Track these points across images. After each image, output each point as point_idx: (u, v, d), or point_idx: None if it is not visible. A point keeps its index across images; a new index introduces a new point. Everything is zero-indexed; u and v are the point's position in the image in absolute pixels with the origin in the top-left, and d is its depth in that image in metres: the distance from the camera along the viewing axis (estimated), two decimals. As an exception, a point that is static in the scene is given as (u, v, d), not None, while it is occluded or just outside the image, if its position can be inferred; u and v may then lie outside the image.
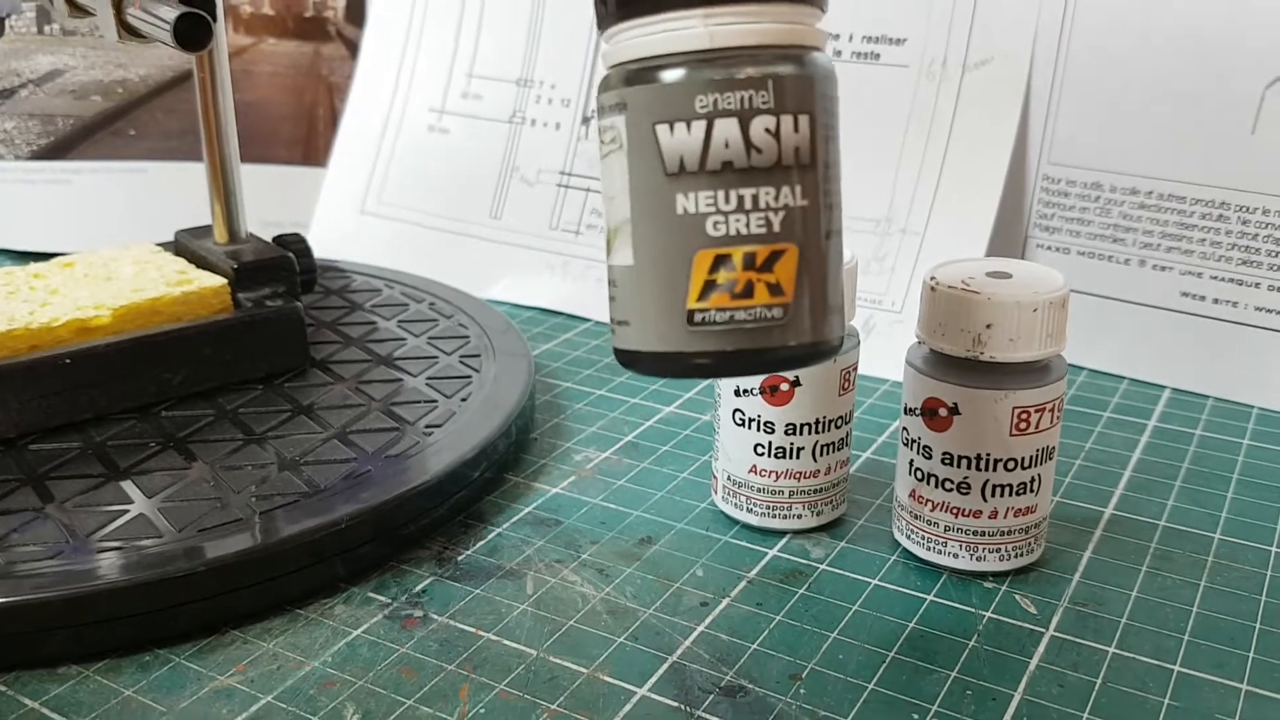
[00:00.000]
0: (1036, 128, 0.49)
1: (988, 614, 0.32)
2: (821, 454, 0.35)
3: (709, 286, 0.25)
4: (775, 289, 0.25)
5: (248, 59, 0.65)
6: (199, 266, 0.45)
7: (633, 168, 0.25)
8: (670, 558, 0.35)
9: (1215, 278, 0.46)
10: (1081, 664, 0.30)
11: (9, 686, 0.30)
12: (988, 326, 0.31)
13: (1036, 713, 0.28)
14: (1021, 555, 0.33)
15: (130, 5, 0.37)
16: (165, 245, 0.48)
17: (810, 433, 0.35)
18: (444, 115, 0.60)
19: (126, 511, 0.34)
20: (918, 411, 0.33)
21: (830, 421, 0.35)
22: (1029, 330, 0.31)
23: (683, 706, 0.28)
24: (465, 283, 0.56)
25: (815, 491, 0.36)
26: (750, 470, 0.36)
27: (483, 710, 0.28)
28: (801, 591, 0.33)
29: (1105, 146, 0.47)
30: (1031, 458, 0.32)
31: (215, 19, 0.38)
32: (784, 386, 0.34)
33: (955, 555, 0.33)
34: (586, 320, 0.54)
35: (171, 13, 0.35)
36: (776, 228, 0.25)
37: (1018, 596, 0.33)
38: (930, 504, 0.33)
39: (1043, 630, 0.31)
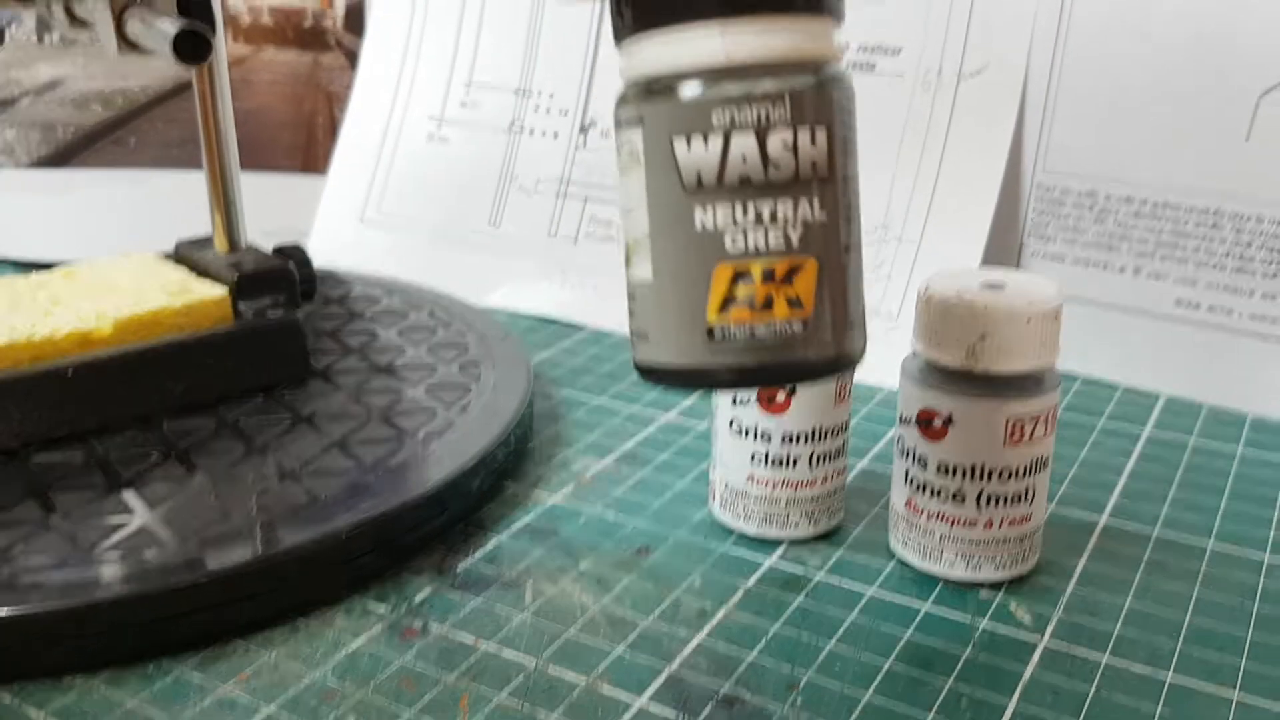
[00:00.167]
0: (1031, 136, 0.49)
1: (983, 623, 0.32)
2: (818, 463, 0.36)
3: (728, 301, 0.25)
4: (795, 303, 0.25)
5: (247, 68, 0.65)
6: (200, 277, 0.45)
7: (650, 182, 0.25)
8: (668, 567, 0.35)
9: (1210, 286, 0.46)
10: (1075, 673, 0.30)
11: (14, 697, 0.30)
12: (982, 338, 0.31)
13: (1031, 722, 0.29)
14: (1016, 564, 0.34)
15: (130, 19, 0.37)
16: (166, 255, 0.48)
17: (807, 442, 0.35)
18: (443, 124, 0.60)
19: (128, 522, 0.34)
20: (913, 421, 0.33)
21: (827, 431, 0.35)
22: (1022, 341, 0.31)
23: (681, 716, 0.29)
24: (464, 291, 0.56)
25: (812, 500, 0.36)
26: (747, 479, 0.36)
27: (482, 720, 0.29)
28: (798, 601, 0.33)
29: (1100, 155, 0.48)
30: (1026, 468, 0.33)
31: (214, 33, 0.38)
32: (780, 397, 0.35)
33: (951, 564, 0.34)
34: (585, 328, 0.55)
35: (171, 27, 0.35)
36: (795, 242, 0.25)
37: (1013, 606, 0.33)
38: (926, 513, 0.34)
39: (1037, 639, 0.32)
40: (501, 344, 0.47)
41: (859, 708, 0.29)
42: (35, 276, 0.45)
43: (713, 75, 0.24)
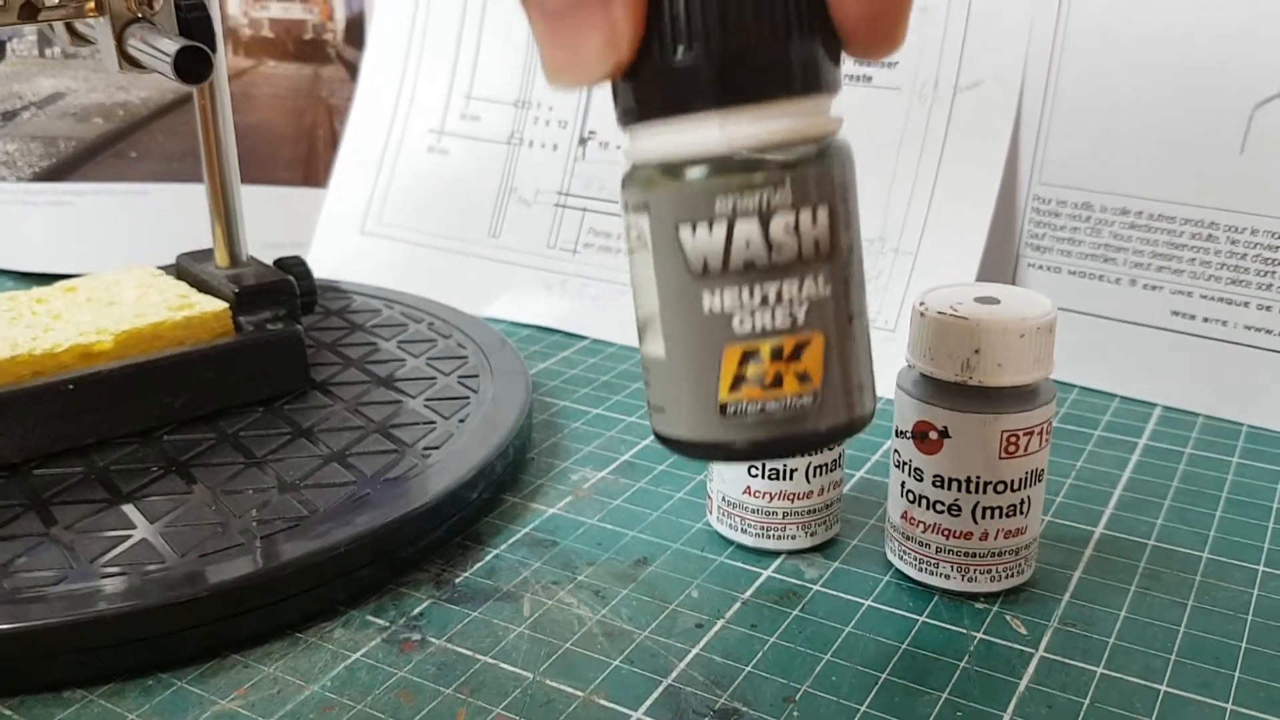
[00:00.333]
0: (1027, 148, 0.49)
1: (979, 635, 0.32)
2: (815, 475, 0.36)
3: (739, 380, 0.25)
4: (804, 377, 0.25)
5: (248, 81, 0.65)
6: (200, 290, 0.45)
7: (659, 267, 0.26)
8: (666, 579, 0.35)
9: (1205, 297, 0.46)
10: (1070, 685, 0.30)
11: (14, 711, 0.30)
12: (976, 351, 0.31)
13: (1025, 734, 0.29)
14: (1012, 576, 0.34)
15: (131, 37, 0.38)
16: (167, 268, 0.48)
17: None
18: (443, 136, 0.61)
19: (129, 536, 0.35)
20: (908, 434, 0.34)
21: (823, 444, 0.35)
22: (1017, 355, 0.31)
23: (677, 729, 0.29)
24: (464, 301, 0.56)
25: (809, 512, 0.36)
26: (744, 491, 0.36)
27: (480, 733, 0.29)
28: (795, 613, 0.34)
29: (1096, 167, 0.48)
30: (1021, 480, 0.33)
31: (215, 51, 0.38)
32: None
33: (947, 576, 0.34)
34: (584, 338, 0.55)
35: (172, 45, 0.36)
36: (801, 319, 0.25)
37: (1008, 617, 0.33)
38: (922, 525, 0.34)
39: (1032, 651, 0.32)
40: (500, 355, 0.48)
41: (855, 719, 0.29)
42: (36, 291, 0.45)
43: (714, 163, 0.25)
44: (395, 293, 0.55)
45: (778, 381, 0.25)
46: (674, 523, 0.39)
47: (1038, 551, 0.35)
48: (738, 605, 0.34)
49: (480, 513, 0.39)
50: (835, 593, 0.35)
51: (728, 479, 0.36)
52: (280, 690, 0.31)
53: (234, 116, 0.46)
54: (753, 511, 0.36)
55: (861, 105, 0.51)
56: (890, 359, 0.48)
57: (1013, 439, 0.32)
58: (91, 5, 0.39)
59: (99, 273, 0.47)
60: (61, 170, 0.65)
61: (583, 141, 0.58)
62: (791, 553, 0.37)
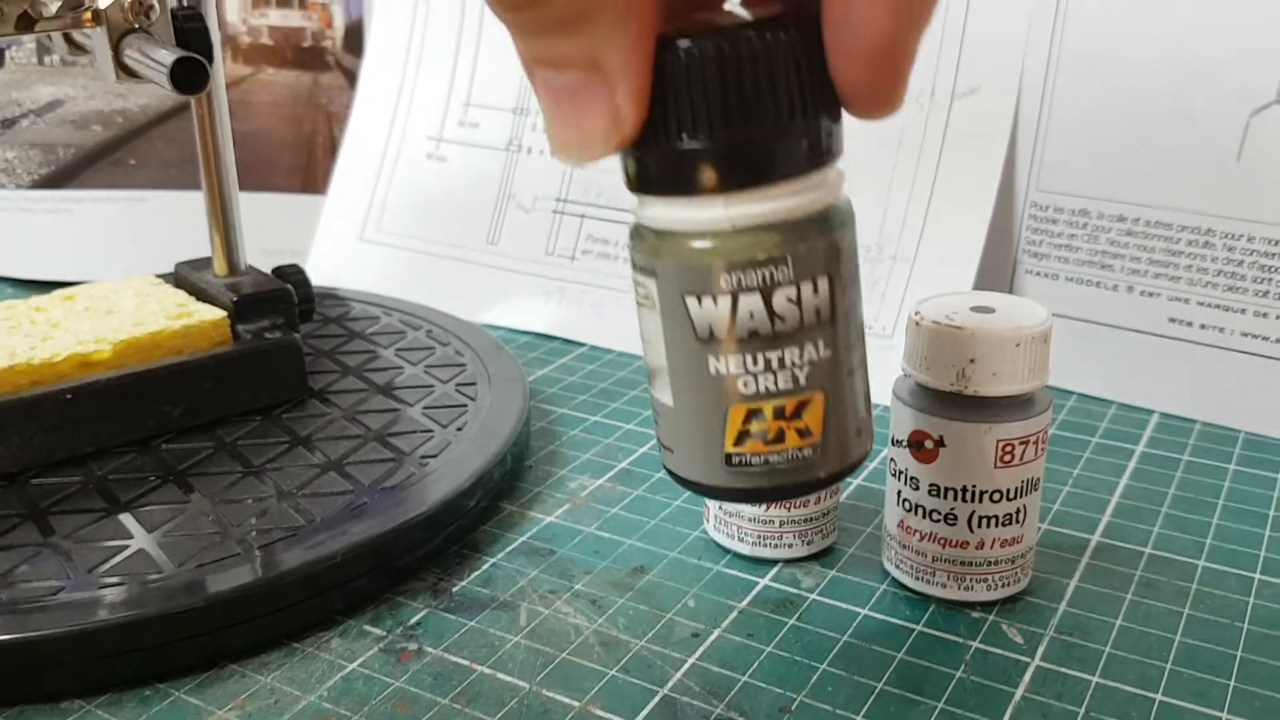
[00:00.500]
0: (1025, 155, 0.49)
1: (975, 644, 0.32)
2: (811, 484, 0.36)
3: (743, 435, 0.27)
4: (804, 432, 0.27)
5: (246, 89, 0.66)
6: (198, 299, 0.45)
7: (667, 328, 0.27)
8: (662, 588, 0.35)
9: (1202, 303, 0.46)
10: (1066, 694, 0.30)
11: (12, 722, 0.30)
12: (971, 361, 0.32)
13: (1021, 743, 0.29)
14: (1008, 585, 0.34)
15: (128, 47, 0.38)
16: (165, 276, 0.48)
17: (799, 464, 0.35)
18: (442, 143, 0.61)
19: (127, 546, 0.35)
20: (904, 443, 0.34)
21: (819, 453, 0.36)
22: (1012, 364, 0.32)
23: (673, 739, 0.29)
24: (462, 308, 0.56)
25: (805, 521, 0.36)
26: (741, 501, 0.36)
27: (476, 744, 0.29)
28: (792, 622, 0.34)
29: (1093, 174, 0.48)
30: (1017, 489, 0.33)
31: (212, 62, 0.38)
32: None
33: (943, 585, 0.34)
34: (582, 345, 0.55)
35: (169, 56, 0.36)
36: (803, 381, 0.26)
37: (1004, 626, 0.33)
38: (918, 534, 0.34)
39: (1028, 660, 0.32)
40: (498, 362, 0.48)
41: (850, 730, 0.29)
42: (35, 299, 0.45)
43: (718, 238, 0.25)
44: (393, 300, 0.56)
45: (780, 438, 0.27)
46: (671, 531, 0.39)
47: (1034, 560, 0.35)
48: (734, 614, 0.34)
49: (477, 521, 0.39)
50: (832, 602, 0.35)
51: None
52: (277, 700, 0.31)
53: (233, 124, 0.46)
54: (749, 520, 0.36)
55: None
56: (888, 366, 0.48)
57: (1008, 448, 0.32)
58: (88, 16, 0.39)
59: (97, 281, 0.47)
60: (60, 178, 0.65)
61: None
62: (788, 561, 0.37)
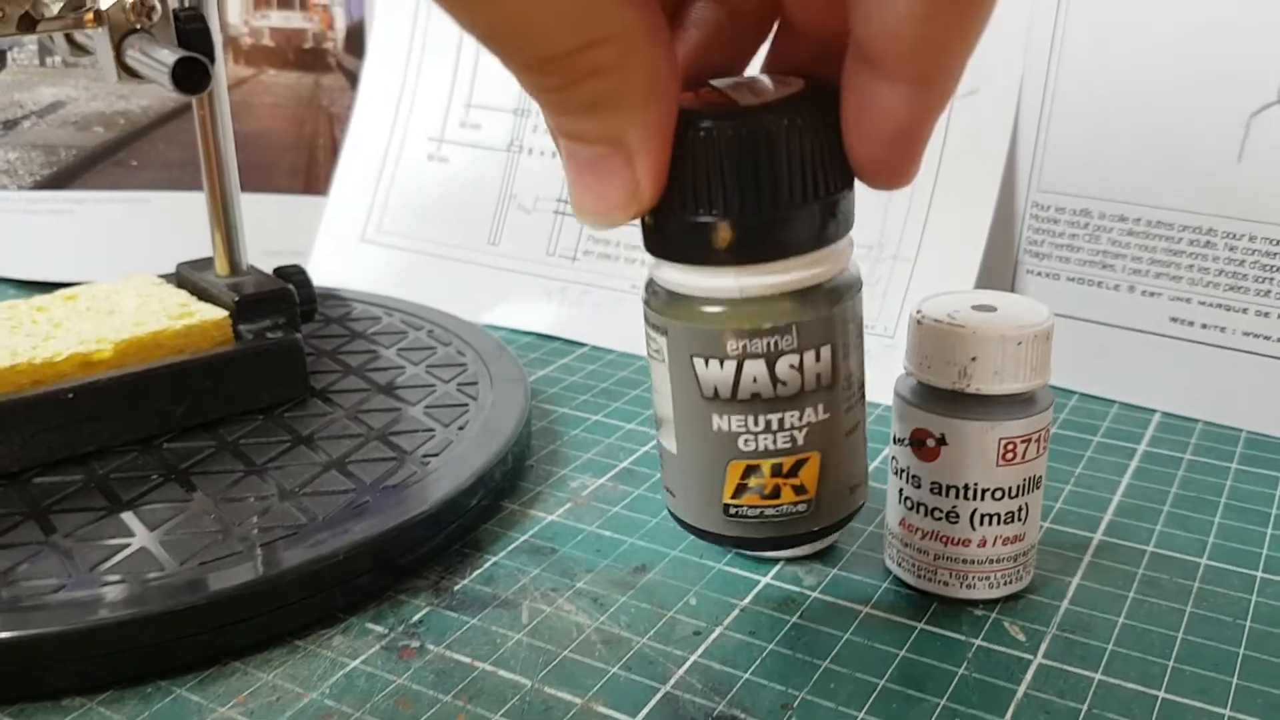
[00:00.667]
0: (1025, 155, 0.49)
1: (977, 642, 0.32)
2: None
3: (741, 489, 0.28)
4: (800, 489, 0.28)
5: (248, 90, 0.66)
6: (200, 299, 0.45)
7: (675, 383, 0.28)
8: (664, 586, 0.35)
9: (1203, 303, 0.46)
10: (1068, 691, 0.30)
11: (14, 719, 0.30)
12: (973, 359, 0.32)
13: (1023, 740, 0.29)
14: (1010, 583, 0.34)
15: (129, 48, 0.38)
16: (167, 277, 0.49)
17: (801, 462, 0.35)
18: (443, 144, 0.61)
19: (129, 544, 0.35)
20: (906, 441, 0.34)
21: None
22: (1014, 363, 0.32)
23: (675, 736, 0.29)
24: (464, 308, 0.56)
25: (807, 520, 0.36)
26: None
27: (478, 741, 0.29)
28: (794, 620, 0.34)
29: (1094, 174, 0.48)
30: (1019, 487, 0.33)
31: (213, 62, 0.38)
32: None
33: (945, 583, 0.34)
34: (583, 345, 0.55)
35: (170, 56, 0.36)
36: (800, 441, 0.28)
37: (1006, 624, 0.33)
38: (920, 532, 0.34)
39: (1030, 657, 0.32)
40: (499, 362, 0.48)
41: (852, 727, 0.29)
42: (36, 299, 0.46)
43: (727, 305, 0.27)
44: (395, 300, 0.56)
45: (776, 493, 0.28)
46: (673, 530, 0.38)
47: (1036, 558, 0.35)
48: (736, 612, 0.34)
49: (479, 520, 0.39)
50: (833, 600, 0.35)
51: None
52: (279, 698, 0.31)
53: (234, 125, 0.46)
54: (751, 518, 0.36)
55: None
56: (889, 366, 0.48)
57: (1010, 446, 0.32)
58: (90, 16, 0.39)
59: (99, 281, 0.47)
60: (62, 179, 0.65)
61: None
62: (790, 560, 0.37)
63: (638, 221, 0.28)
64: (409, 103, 0.62)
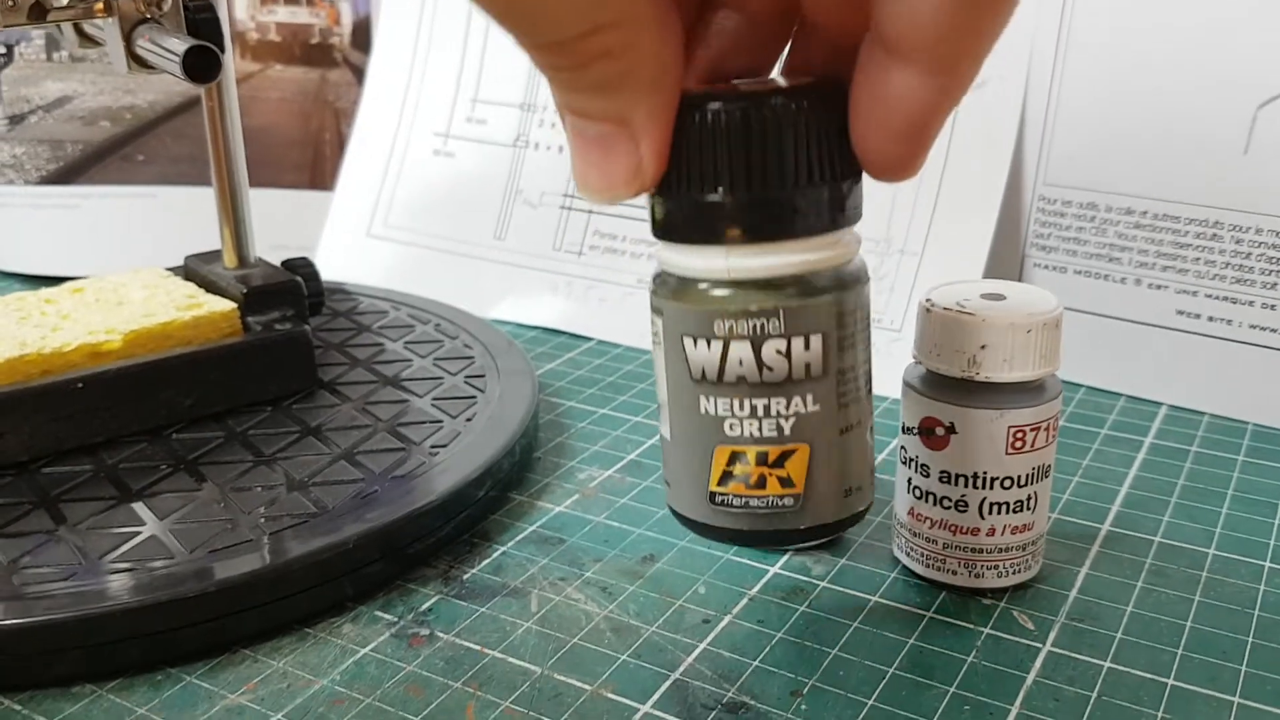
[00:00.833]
0: (1032, 149, 0.49)
1: (986, 630, 0.32)
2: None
3: (726, 476, 0.28)
4: (786, 482, 0.28)
5: (255, 85, 0.66)
6: (208, 291, 0.45)
7: (668, 365, 0.28)
8: (673, 575, 0.35)
9: (1210, 296, 0.46)
10: (1078, 679, 0.30)
11: (24, 705, 0.30)
12: (982, 347, 0.32)
13: (1033, 727, 0.29)
14: (1019, 572, 0.34)
15: (140, 37, 0.38)
16: (175, 270, 0.49)
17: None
18: (449, 139, 0.61)
19: (138, 533, 0.35)
20: (915, 430, 0.34)
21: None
22: (1023, 351, 0.32)
23: (685, 722, 0.29)
24: (470, 303, 0.56)
25: (815, 510, 0.36)
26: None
27: (489, 727, 0.29)
28: (802, 609, 0.34)
29: (1100, 167, 0.48)
30: (1028, 475, 0.33)
31: (223, 51, 0.38)
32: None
33: (954, 572, 0.34)
34: (589, 340, 0.55)
35: (181, 45, 0.36)
36: (787, 431, 0.27)
37: (1015, 613, 0.33)
38: (929, 521, 0.34)
39: (1040, 646, 0.32)
40: (507, 355, 0.48)
41: (862, 713, 0.29)
42: (45, 291, 0.46)
43: (717, 286, 0.27)
44: (402, 294, 0.56)
45: (761, 483, 0.28)
46: (681, 520, 0.39)
47: (1045, 548, 0.35)
48: (745, 601, 0.34)
49: (487, 510, 0.39)
50: (842, 589, 0.35)
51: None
52: (289, 685, 0.31)
53: (241, 120, 0.46)
54: (759, 508, 0.36)
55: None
56: (897, 359, 0.48)
57: (1019, 434, 0.32)
58: (100, 6, 0.39)
59: (107, 274, 0.48)
60: (69, 173, 0.65)
61: (588, 144, 0.58)
62: (799, 550, 0.37)
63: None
64: (415, 98, 0.62)
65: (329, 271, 0.59)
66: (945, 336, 0.32)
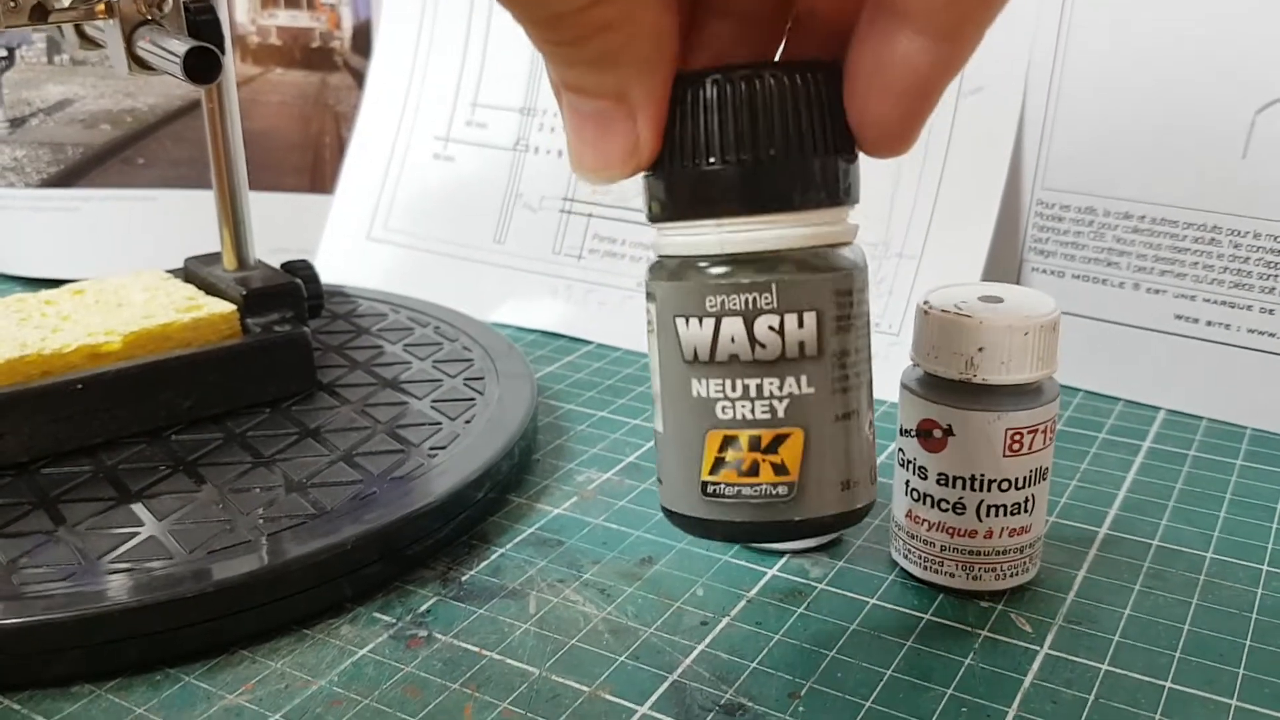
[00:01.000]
0: (1031, 153, 0.50)
1: (983, 632, 0.33)
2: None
3: (719, 463, 0.27)
4: (780, 469, 0.27)
5: (256, 88, 0.66)
6: (208, 293, 0.46)
7: (661, 350, 0.28)
8: (671, 577, 0.36)
9: (1208, 300, 0.46)
10: (1075, 681, 0.30)
11: (23, 705, 0.30)
12: (980, 350, 0.32)
13: (1030, 729, 0.29)
14: (1017, 574, 0.34)
15: (140, 39, 0.38)
16: (175, 272, 0.49)
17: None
18: (449, 143, 0.61)
19: (137, 534, 0.35)
20: (913, 433, 0.34)
21: (827, 443, 0.36)
22: (1020, 353, 0.32)
23: (683, 723, 0.29)
24: (469, 306, 0.56)
25: (813, 512, 0.36)
26: (749, 491, 0.36)
27: (486, 728, 0.29)
28: (800, 611, 0.34)
29: (1099, 171, 0.48)
30: (1025, 478, 0.33)
31: (224, 52, 0.38)
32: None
33: (951, 575, 0.34)
34: (589, 343, 0.55)
35: (181, 46, 0.36)
36: (781, 414, 0.27)
37: (1013, 615, 0.33)
38: (927, 524, 0.34)
39: (1037, 648, 0.32)
40: (506, 358, 0.48)
41: (860, 715, 0.29)
42: (45, 293, 0.46)
43: (709, 261, 0.27)
44: (401, 297, 0.56)
45: (754, 470, 0.27)
46: (679, 523, 0.39)
47: (1042, 551, 0.35)
48: (743, 603, 0.34)
49: (486, 512, 0.39)
50: (840, 591, 0.35)
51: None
52: (288, 685, 0.31)
53: (242, 123, 0.46)
54: (758, 511, 0.36)
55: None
56: (895, 362, 0.48)
57: (1017, 437, 0.32)
58: (101, 7, 0.39)
59: (107, 276, 0.48)
60: (69, 176, 0.66)
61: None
62: (796, 552, 0.37)
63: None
64: (415, 102, 0.62)
65: (329, 274, 0.59)
66: (943, 339, 0.32)
